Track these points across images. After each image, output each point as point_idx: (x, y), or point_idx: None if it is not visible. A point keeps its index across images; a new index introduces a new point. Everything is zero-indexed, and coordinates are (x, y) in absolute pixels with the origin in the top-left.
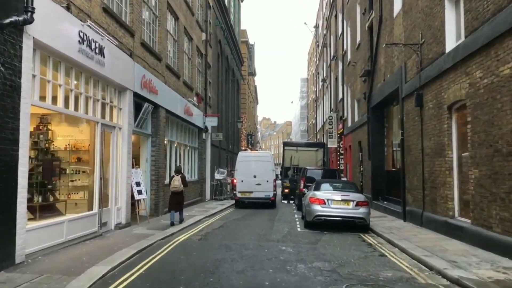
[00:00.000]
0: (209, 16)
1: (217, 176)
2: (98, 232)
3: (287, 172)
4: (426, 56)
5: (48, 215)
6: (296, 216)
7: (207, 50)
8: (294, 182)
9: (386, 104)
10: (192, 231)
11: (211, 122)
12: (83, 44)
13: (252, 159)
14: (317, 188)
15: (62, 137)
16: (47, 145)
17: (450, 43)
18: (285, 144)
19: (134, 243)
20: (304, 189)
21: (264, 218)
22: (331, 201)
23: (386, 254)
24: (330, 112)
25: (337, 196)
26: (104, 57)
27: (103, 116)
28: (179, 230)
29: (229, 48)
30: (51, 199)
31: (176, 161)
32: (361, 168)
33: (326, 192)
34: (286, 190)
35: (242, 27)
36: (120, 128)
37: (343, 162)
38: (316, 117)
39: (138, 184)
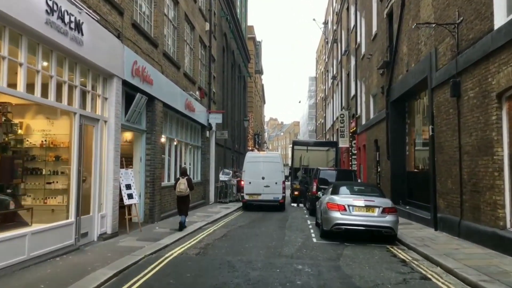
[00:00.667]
0: (213, 6)
1: (222, 177)
2: (75, 245)
3: (296, 173)
4: (465, 37)
5: (6, 226)
6: (309, 222)
7: (211, 42)
8: (304, 184)
9: (408, 97)
10: (190, 242)
11: (216, 119)
12: (52, 15)
13: (260, 160)
14: (335, 191)
15: (38, 131)
16: (6, 139)
17: (500, 18)
18: (295, 143)
19: (116, 260)
20: (317, 192)
21: (273, 225)
22: (352, 207)
23: (429, 276)
24: (342, 110)
25: (360, 201)
26: (82, 34)
27: (82, 106)
28: (175, 241)
29: (235, 43)
30: (12, 206)
31: (176, 161)
32: (378, 169)
33: (346, 196)
34: (296, 193)
35: (249, 24)
36: (105, 121)
37: (356, 162)
38: (325, 117)
39: (128, 186)
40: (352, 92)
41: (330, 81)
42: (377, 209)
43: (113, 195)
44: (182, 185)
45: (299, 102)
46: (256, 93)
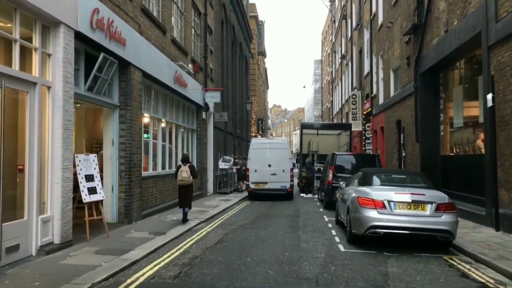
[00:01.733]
0: None
1: (222, 165)
2: None
3: (305, 160)
4: None
5: None
6: (326, 218)
7: (207, 9)
8: (312, 171)
9: (444, 66)
10: (170, 255)
11: (213, 97)
12: None
13: (266, 147)
14: (366, 181)
15: None
16: None
17: None
18: (303, 126)
19: None
20: (333, 181)
21: (283, 224)
22: (394, 203)
23: None
24: (354, 90)
25: (404, 195)
26: None
27: (6, 62)
28: (149, 253)
29: (235, 17)
30: None
31: (165, 146)
32: (403, 154)
33: (383, 189)
34: (305, 181)
35: (250, 1)
36: (48, 88)
37: (370, 147)
38: (332, 100)
39: (89, 178)
40: (366, 70)
41: (338, 62)
42: (429, 206)
43: (63, 191)
44: (184, 173)
45: (304, 87)
46: (259, 76)
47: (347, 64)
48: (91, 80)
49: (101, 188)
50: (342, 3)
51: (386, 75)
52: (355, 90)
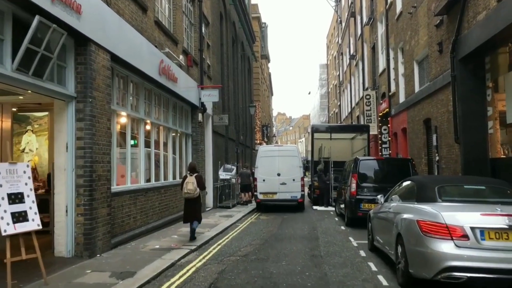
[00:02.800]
0: None
1: (223, 175)
2: None
3: (317, 168)
4: None
5: None
6: (353, 241)
7: None
8: (324, 180)
9: (492, 47)
10: None
11: (210, 96)
12: None
13: (275, 154)
14: (426, 196)
15: None
16: None
17: None
18: (315, 129)
19: None
20: (357, 193)
21: (299, 252)
22: (481, 231)
23: None
24: (368, 90)
25: (496, 217)
26: None
27: None
28: None
29: (236, 14)
30: None
31: (147, 152)
32: (436, 158)
33: (458, 207)
34: (318, 192)
35: (253, 1)
36: None
37: (388, 152)
38: (339, 105)
39: (15, 198)
40: (381, 67)
41: (346, 63)
42: None
43: None
44: (190, 184)
45: (309, 93)
46: (263, 81)
47: (356, 65)
48: (22, 55)
49: (35, 213)
50: (350, 1)
51: (409, 68)
52: (369, 90)
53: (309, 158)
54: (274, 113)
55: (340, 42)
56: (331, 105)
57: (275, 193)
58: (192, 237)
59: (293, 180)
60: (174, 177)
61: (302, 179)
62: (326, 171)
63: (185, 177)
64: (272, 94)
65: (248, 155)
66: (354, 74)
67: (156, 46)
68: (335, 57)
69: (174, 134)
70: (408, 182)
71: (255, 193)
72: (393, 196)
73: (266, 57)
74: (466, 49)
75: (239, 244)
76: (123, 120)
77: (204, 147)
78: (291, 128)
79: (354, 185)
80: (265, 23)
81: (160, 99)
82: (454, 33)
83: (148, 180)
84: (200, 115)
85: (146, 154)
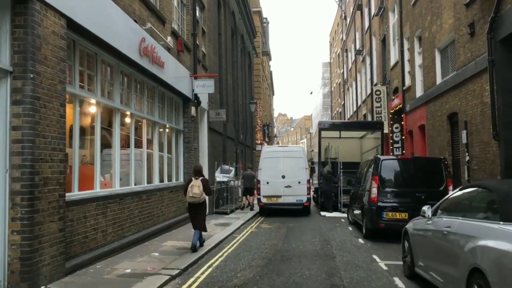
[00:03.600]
0: None
1: (220, 177)
2: None
3: (325, 169)
4: None
5: None
6: (380, 261)
7: None
8: (330, 182)
9: None
10: None
11: (205, 87)
12: None
13: (279, 155)
14: None
15: None
16: None
17: None
18: (322, 126)
19: None
20: (378, 199)
21: (315, 280)
22: None
23: None
24: (378, 85)
25: None
26: None
27: None
28: None
29: (236, 4)
30: None
31: (132, 152)
32: (466, 158)
33: None
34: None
35: None
36: None
37: (400, 153)
38: (344, 104)
39: None
40: (392, 61)
41: (351, 59)
42: None
43: None
44: (196, 188)
45: (311, 93)
46: (264, 79)
47: (363, 60)
48: None
49: None
50: None
51: (428, 58)
52: (379, 85)
53: (314, 159)
54: (275, 114)
55: (344, 38)
56: (334, 104)
57: (280, 196)
58: (194, 248)
59: (299, 182)
60: (161, 180)
61: (308, 181)
62: (334, 173)
63: (190, 180)
64: (273, 94)
65: (249, 156)
66: (360, 71)
67: (135, 21)
68: (338, 54)
69: (161, 129)
70: (473, 190)
71: (258, 196)
72: (446, 208)
73: (267, 54)
74: (509, 28)
75: (236, 266)
76: (92, 109)
77: (198, 146)
78: (292, 129)
79: (375, 190)
80: (266, 19)
81: (143, 87)
82: (493, 10)
83: (127, 184)
84: (193, 108)
85: (125, 152)
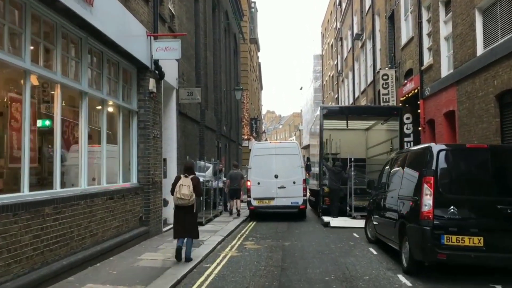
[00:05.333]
0: None
1: None
2: None
3: (328, 167)
4: None
5: None
6: None
7: None
8: (339, 180)
9: None
10: None
11: (168, 51)
12: None
13: (272, 152)
14: None
15: None
16: None
17: None
18: (328, 112)
19: None
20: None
21: None
22: None
23: None
24: (386, 68)
25: None
26: None
27: None
28: None
29: None
30: None
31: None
32: None
33: None
34: (328, 200)
35: None
36: None
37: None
38: (337, 97)
39: None
40: (404, 38)
41: (347, 48)
42: None
43: None
44: (186, 188)
45: (301, 88)
46: (252, 70)
47: (362, 46)
48: None
49: None
50: None
51: (463, 24)
52: (386, 69)
53: (312, 152)
54: (263, 111)
55: (339, 26)
56: (326, 98)
57: (272, 198)
58: (180, 258)
59: (294, 183)
60: (99, 181)
61: (304, 181)
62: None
63: (178, 178)
64: (261, 88)
65: (234, 152)
66: (358, 58)
67: None
68: (332, 45)
69: (100, 106)
70: None
71: (248, 198)
72: None
73: (255, 42)
74: None
75: None
76: None
77: (161, 134)
78: (280, 126)
79: (429, 199)
80: (254, 3)
81: (66, 39)
82: None
83: (42, 186)
84: (151, 81)
85: (37, 138)
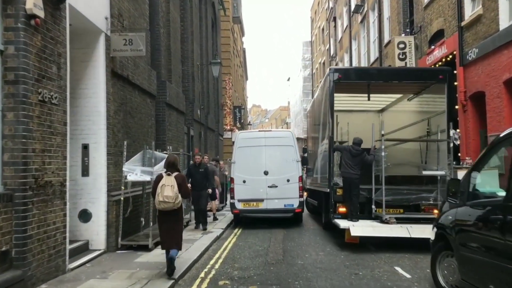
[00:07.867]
0: None
1: (134, 173)
2: None
3: (342, 159)
4: None
5: None
6: None
7: None
8: (358, 166)
9: None
10: None
11: None
12: None
13: (261, 143)
14: None
15: None
16: None
17: None
18: (336, 78)
19: None
20: None
21: None
22: None
23: None
24: (402, 35)
25: None
26: None
27: None
28: None
29: None
30: None
31: None
32: None
33: None
34: (342, 209)
35: None
36: None
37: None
38: None
39: None
40: None
41: (342, 27)
42: None
43: None
44: (169, 189)
45: (288, 79)
46: (236, 54)
47: (362, 21)
48: None
49: None
50: None
51: None
52: (403, 35)
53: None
54: (249, 105)
55: (332, 5)
56: (316, 88)
57: (262, 200)
58: (170, 272)
59: (288, 181)
60: None
61: (301, 179)
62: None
63: (160, 177)
64: (247, 78)
65: (212, 142)
66: (357, 35)
67: None
68: (322, 28)
69: None
70: None
71: (231, 200)
72: None
73: (239, 22)
74: None
75: None
76: None
77: (66, 99)
78: (267, 120)
79: None
80: None
81: None
82: None
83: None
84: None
85: None
